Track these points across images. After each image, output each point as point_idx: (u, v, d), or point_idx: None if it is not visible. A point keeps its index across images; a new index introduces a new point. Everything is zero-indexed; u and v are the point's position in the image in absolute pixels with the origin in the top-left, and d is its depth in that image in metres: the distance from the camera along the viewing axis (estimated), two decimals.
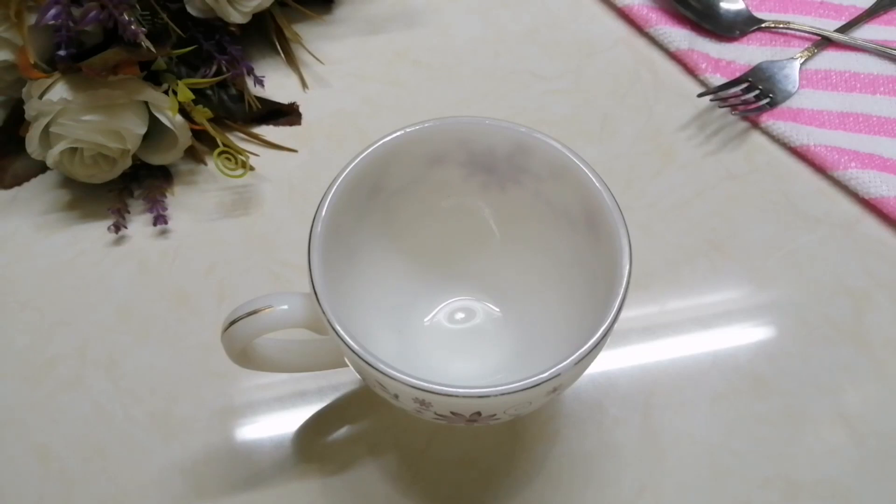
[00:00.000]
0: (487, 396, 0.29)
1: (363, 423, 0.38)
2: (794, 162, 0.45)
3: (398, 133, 0.35)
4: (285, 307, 0.31)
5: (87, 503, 0.36)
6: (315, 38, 0.50)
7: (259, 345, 0.33)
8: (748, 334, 0.40)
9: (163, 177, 0.44)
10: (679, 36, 0.49)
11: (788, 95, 0.47)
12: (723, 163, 0.45)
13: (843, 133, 0.46)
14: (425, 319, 0.38)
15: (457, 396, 0.29)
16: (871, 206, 0.43)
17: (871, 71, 0.48)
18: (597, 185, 0.33)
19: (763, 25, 0.50)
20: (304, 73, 0.49)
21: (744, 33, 0.50)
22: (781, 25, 0.49)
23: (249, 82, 0.47)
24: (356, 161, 0.34)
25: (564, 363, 0.29)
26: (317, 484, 0.36)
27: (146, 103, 0.41)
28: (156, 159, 0.43)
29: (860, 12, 0.50)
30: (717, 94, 0.47)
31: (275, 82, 0.48)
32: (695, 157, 0.45)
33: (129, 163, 0.43)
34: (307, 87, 0.48)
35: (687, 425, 0.38)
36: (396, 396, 0.30)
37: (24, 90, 0.41)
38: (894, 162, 0.44)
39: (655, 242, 0.42)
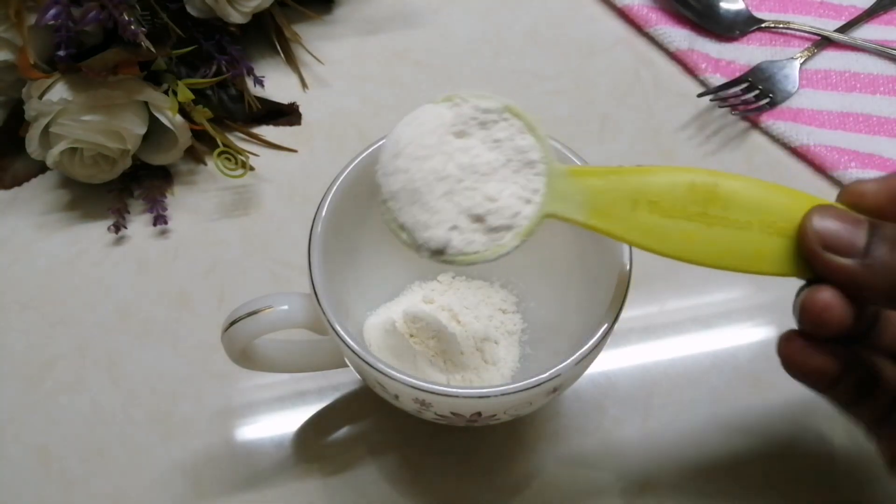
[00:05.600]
0: (487, 396, 0.29)
1: (363, 424, 0.38)
2: (794, 162, 0.45)
3: None
4: (285, 307, 0.31)
5: (86, 503, 0.36)
6: (315, 38, 0.50)
7: (259, 345, 0.33)
8: (748, 334, 0.40)
9: (163, 177, 0.44)
10: (679, 36, 0.49)
11: (788, 95, 0.47)
12: (723, 163, 0.45)
13: (843, 133, 0.46)
14: None
15: (457, 397, 0.29)
16: None
17: (871, 71, 0.48)
18: None
19: (763, 25, 0.50)
20: (304, 73, 0.49)
21: (744, 33, 0.50)
22: (781, 25, 0.49)
23: (249, 82, 0.47)
24: (356, 161, 0.34)
25: (564, 363, 0.29)
26: (317, 484, 0.36)
27: (146, 103, 0.41)
28: (156, 159, 0.43)
29: (860, 12, 0.50)
30: (717, 94, 0.47)
31: (275, 82, 0.48)
32: (695, 157, 0.45)
33: (129, 163, 0.43)
34: (307, 87, 0.48)
35: (687, 425, 0.38)
36: (397, 397, 0.30)
37: (24, 90, 0.41)
38: (894, 162, 0.44)
39: None
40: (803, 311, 0.25)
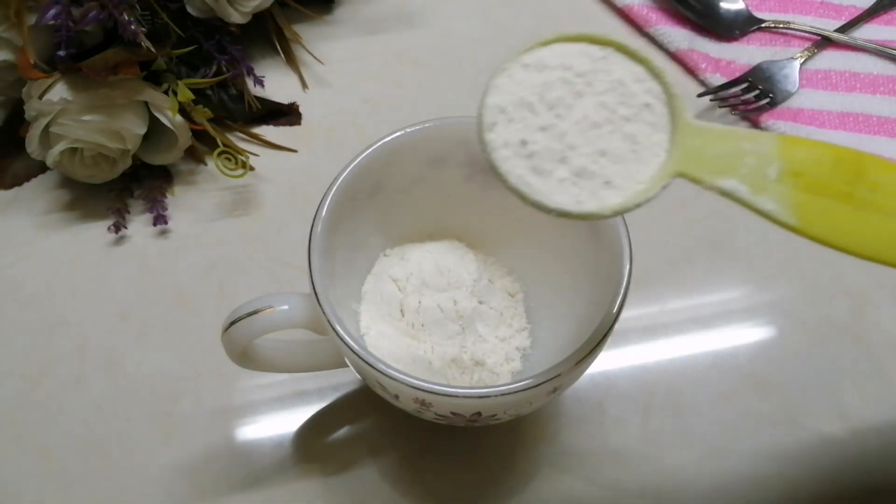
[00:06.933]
0: (487, 396, 0.29)
1: (363, 424, 0.38)
2: None
3: (398, 133, 0.35)
4: (285, 307, 0.31)
5: (86, 503, 0.36)
6: (315, 38, 0.50)
7: (259, 345, 0.33)
8: (748, 334, 0.40)
9: (163, 177, 0.44)
10: (679, 36, 0.49)
11: (788, 95, 0.47)
12: None
13: (843, 133, 0.46)
14: None
15: (457, 396, 0.29)
16: None
17: (871, 71, 0.48)
18: None
19: (763, 25, 0.50)
20: (304, 73, 0.49)
21: (744, 33, 0.50)
22: (781, 25, 0.49)
23: (249, 82, 0.47)
24: (356, 161, 0.34)
25: (564, 363, 0.29)
26: (317, 484, 0.36)
27: (146, 103, 0.41)
28: (156, 159, 0.43)
29: (860, 12, 0.50)
30: (717, 94, 0.47)
31: (275, 82, 0.48)
32: None
33: (129, 163, 0.43)
34: (307, 87, 0.48)
35: (687, 425, 0.38)
36: (397, 397, 0.30)
37: (24, 90, 0.41)
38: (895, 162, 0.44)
39: (655, 242, 0.42)
40: None
